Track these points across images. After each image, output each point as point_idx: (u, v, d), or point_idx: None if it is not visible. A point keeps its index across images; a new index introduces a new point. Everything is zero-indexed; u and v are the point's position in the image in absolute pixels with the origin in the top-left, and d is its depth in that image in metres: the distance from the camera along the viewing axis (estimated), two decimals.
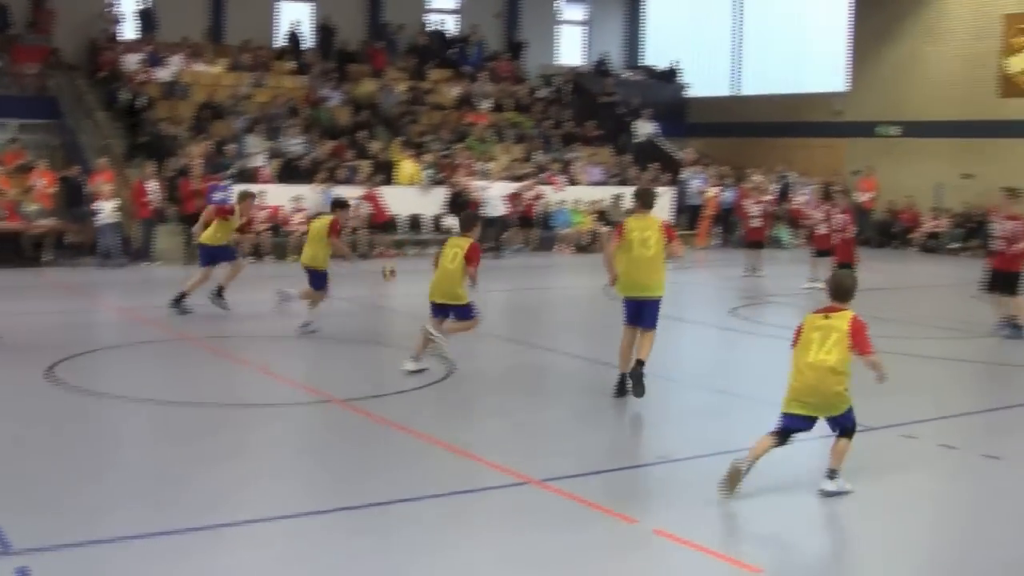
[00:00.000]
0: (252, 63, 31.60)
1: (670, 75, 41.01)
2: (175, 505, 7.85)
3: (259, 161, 27.07)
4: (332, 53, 33.75)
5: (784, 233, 31.57)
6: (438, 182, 28.52)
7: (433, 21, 37.44)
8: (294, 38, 33.97)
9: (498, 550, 7.25)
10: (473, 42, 36.96)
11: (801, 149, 36.02)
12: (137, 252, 24.10)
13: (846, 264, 18.86)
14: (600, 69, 39.73)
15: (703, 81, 40.51)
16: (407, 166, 28.69)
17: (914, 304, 20.41)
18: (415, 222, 28.05)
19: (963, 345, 16.14)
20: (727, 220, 31.53)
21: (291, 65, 32.34)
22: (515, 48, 38.53)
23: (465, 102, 33.59)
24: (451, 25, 37.89)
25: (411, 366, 12.60)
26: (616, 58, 41.60)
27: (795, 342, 8.66)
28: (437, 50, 35.96)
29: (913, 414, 11.21)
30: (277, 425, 10.49)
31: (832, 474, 8.54)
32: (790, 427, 8.57)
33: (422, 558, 7.00)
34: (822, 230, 21.16)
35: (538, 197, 29.08)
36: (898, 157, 33.83)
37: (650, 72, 41.44)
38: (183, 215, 24.56)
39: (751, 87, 39.76)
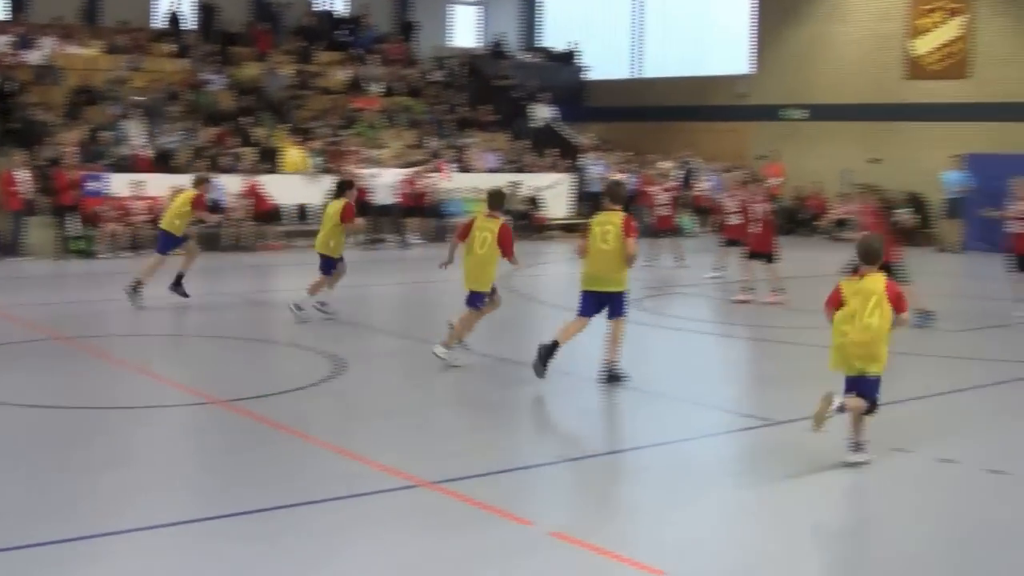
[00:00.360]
0: (129, 45, 31.10)
1: (568, 57, 41.11)
2: (51, 516, 7.72)
3: (137, 149, 26.67)
4: (214, 34, 33.36)
5: (687, 221, 31.81)
6: (326, 170, 28.33)
7: (321, 1, 37.20)
8: (174, 19, 33.53)
9: (390, 556, 7.23)
10: (363, 23, 36.80)
11: (705, 133, 36.40)
12: (6, 246, 23.62)
13: (762, 254, 19.08)
14: (495, 51, 39.74)
15: (603, 63, 40.67)
16: (293, 153, 28.48)
17: (824, 293, 20.77)
18: (302, 212, 27.83)
19: None
20: (629, 208, 31.66)
21: (171, 47, 31.94)
22: (407, 29, 38.42)
23: (354, 86, 33.43)
24: (340, 5, 37.69)
25: (445, 354, 12.86)
26: (512, 40, 41.66)
27: (833, 308, 9.22)
28: (325, 31, 35.74)
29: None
30: (157, 429, 10.38)
31: (856, 447, 9.17)
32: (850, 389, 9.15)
33: (313, 566, 6.98)
34: (734, 220, 21.11)
35: (412, 183, 28.82)
36: (804, 141, 34.30)
37: (548, 54, 41.52)
38: (56, 207, 24.13)
39: (653, 70, 39.98)
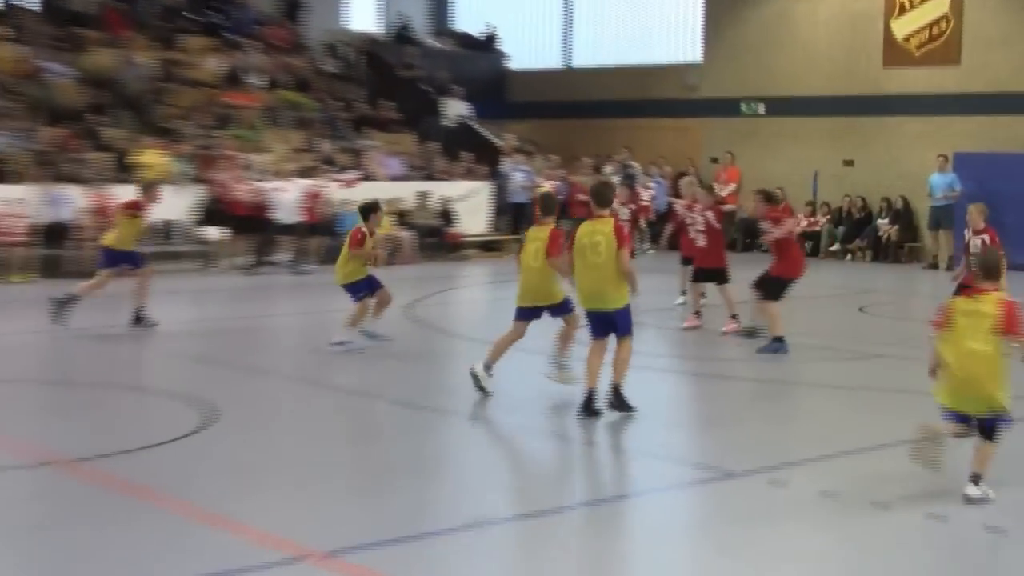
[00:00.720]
0: None
1: (486, 44, 41.19)
2: None
3: None
4: (58, 15, 32.99)
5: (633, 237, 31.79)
6: (196, 179, 28.03)
7: None
8: None
9: None
10: (240, 3, 36.60)
11: (648, 132, 36.53)
12: None
13: (714, 274, 19.10)
14: (400, 36, 39.74)
15: (527, 51, 40.80)
16: (155, 159, 28.16)
17: (789, 320, 20.78)
18: (166, 230, 27.40)
19: (846, 368, 16.67)
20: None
21: (3, 30, 31.51)
22: (293, 10, 38.31)
23: (230, 78, 33.20)
24: None
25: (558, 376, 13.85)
26: (419, 23, 41.69)
27: (941, 327, 9.86)
28: (194, 12, 35.50)
29: (783, 454, 11.45)
30: None
31: (976, 479, 9.71)
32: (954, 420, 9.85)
33: None
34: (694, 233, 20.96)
35: (317, 197, 28.51)
36: (765, 141, 34.51)
37: (462, 40, 41.61)
38: None
39: (586, 58, 40.10)
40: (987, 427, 9.74)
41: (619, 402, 12.69)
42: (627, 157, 34.69)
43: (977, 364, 9.59)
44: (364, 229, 16.67)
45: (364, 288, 16.82)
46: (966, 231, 18.15)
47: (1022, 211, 27.52)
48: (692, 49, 36.78)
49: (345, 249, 16.80)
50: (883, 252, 31.66)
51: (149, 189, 18.65)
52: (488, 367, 13.61)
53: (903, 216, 31.67)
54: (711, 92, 35.86)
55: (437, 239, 30.01)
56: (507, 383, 13.86)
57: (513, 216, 32.23)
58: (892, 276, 28.92)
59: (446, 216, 30.96)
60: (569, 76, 40.13)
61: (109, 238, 18.18)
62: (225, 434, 12.13)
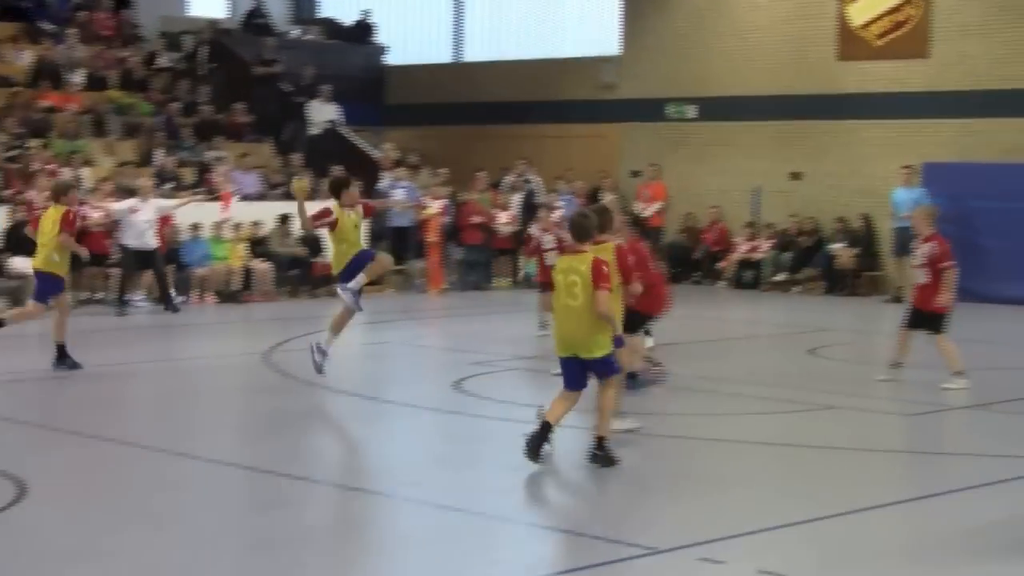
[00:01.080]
0: None
1: (360, 34, 41.18)
2: None
3: None
4: None
5: (532, 265, 31.52)
6: (1, 200, 27.60)
7: None
8: None
9: None
10: None
11: (555, 140, 36.51)
12: None
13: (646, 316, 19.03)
14: (254, 24, 39.50)
15: (411, 43, 40.85)
16: None
17: (726, 365, 20.91)
18: None
19: (791, 422, 16.76)
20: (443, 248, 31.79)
21: None
22: None
23: (43, 74, 32.91)
24: None
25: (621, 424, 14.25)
26: (278, 8, 41.60)
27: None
28: None
29: (717, 526, 11.42)
30: None
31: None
32: None
33: None
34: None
35: (168, 221, 28.20)
36: (697, 150, 34.68)
37: (331, 30, 41.51)
38: None
39: (482, 51, 40.19)
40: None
41: (604, 456, 13.23)
42: (525, 170, 34.62)
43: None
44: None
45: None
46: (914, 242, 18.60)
47: (1003, 232, 28.20)
48: (609, 41, 36.88)
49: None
50: (838, 283, 31.70)
51: (67, 194, 18.92)
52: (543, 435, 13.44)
53: (862, 239, 31.78)
54: (632, 92, 36.02)
55: (300, 272, 29.81)
56: (392, 453, 13.70)
57: (394, 243, 32.00)
58: (848, 311, 29.04)
59: (312, 244, 30.42)
60: (461, 73, 40.35)
61: (41, 260, 18.54)
62: (27, 512, 11.89)
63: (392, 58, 41.17)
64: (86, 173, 29.54)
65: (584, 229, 13.36)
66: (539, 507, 12.75)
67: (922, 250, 18.55)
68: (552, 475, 13.25)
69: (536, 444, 13.11)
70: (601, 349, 13.11)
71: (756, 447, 15.17)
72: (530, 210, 31.99)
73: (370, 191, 32.53)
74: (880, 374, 18.82)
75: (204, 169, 31.58)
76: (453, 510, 12.16)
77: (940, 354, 18.42)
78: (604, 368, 13.22)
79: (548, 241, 22.75)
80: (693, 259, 33.62)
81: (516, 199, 33.35)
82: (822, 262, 32.11)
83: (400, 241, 32.05)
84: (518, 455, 13.22)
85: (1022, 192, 28.73)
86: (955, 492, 12.94)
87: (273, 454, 14.30)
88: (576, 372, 13.29)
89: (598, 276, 12.80)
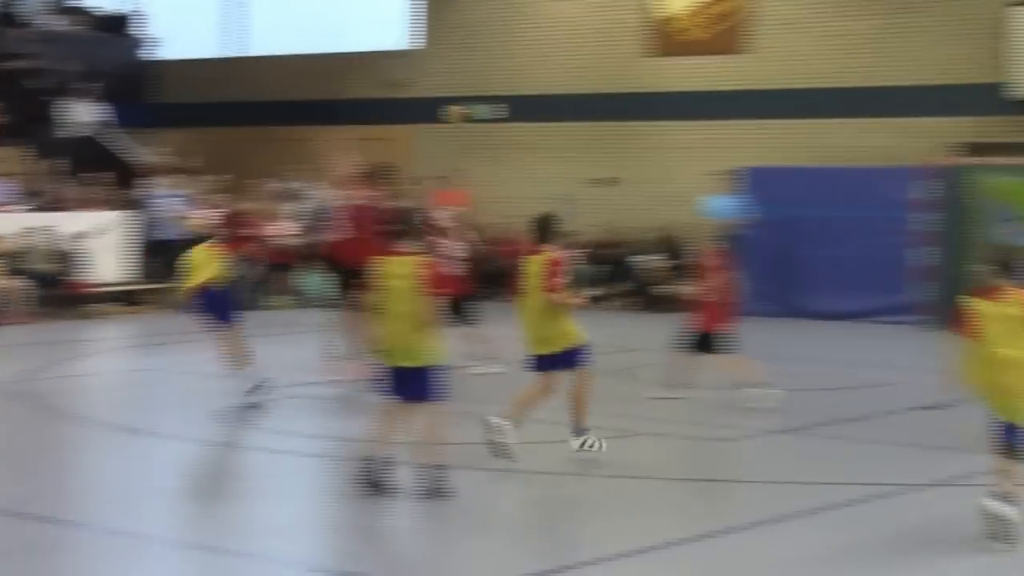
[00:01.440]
0: None
1: (122, 24, 41.18)
2: None
3: None
4: None
5: (315, 279, 30.32)
6: None
7: None
8: None
9: None
10: None
11: (341, 142, 35.18)
12: None
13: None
14: (2, 15, 38.75)
15: (180, 35, 40.91)
16: None
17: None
18: None
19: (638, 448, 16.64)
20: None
21: None
22: None
23: None
24: None
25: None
26: None
27: (968, 333, 11.31)
28: None
29: (615, 545, 11.62)
30: None
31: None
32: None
33: None
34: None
35: None
36: (502, 154, 34.87)
37: (90, 19, 40.98)
38: None
39: (259, 44, 40.63)
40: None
41: (433, 492, 13.14)
42: (295, 176, 34.07)
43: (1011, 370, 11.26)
44: None
45: None
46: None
47: (827, 241, 28.84)
48: (400, 34, 37.36)
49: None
50: (653, 297, 31.44)
51: None
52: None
53: (674, 251, 31.48)
54: (427, 90, 36.21)
55: (55, 290, 29.04)
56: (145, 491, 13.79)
57: (165, 258, 30.86)
58: (664, 328, 28.33)
59: (68, 259, 30.20)
60: (237, 68, 40.32)
61: None
62: None
63: (161, 52, 41.25)
64: None
65: (546, 230, 14.50)
66: (311, 545, 12.50)
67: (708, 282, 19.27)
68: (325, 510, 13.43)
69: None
70: (428, 358, 13.18)
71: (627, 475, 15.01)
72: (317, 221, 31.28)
73: (137, 200, 32.59)
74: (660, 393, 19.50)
75: None
76: (201, 549, 12.13)
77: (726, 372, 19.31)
78: (424, 378, 13.28)
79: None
80: (497, 271, 32.45)
81: (289, 209, 32.91)
82: (631, 275, 32.07)
83: (170, 255, 30.41)
84: (291, 488, 13.72)
85: (848, 197, 29.04)
86: (756, 525, 12.73)
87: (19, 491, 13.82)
88: (396, 382, 13.22)
89: (423, 276, 13.09)
